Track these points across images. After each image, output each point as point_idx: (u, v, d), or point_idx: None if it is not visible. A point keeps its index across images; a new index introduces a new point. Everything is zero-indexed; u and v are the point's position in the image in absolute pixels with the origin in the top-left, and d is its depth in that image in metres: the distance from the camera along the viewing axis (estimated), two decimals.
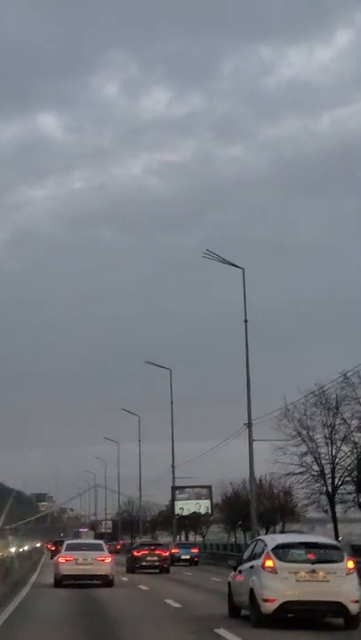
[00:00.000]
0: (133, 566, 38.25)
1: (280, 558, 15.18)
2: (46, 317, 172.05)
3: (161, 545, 43.65)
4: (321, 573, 14.96)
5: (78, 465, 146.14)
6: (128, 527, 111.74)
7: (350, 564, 15.30)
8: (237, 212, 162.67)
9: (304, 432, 44.13)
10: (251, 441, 39.32)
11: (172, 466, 65.30)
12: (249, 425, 39.36)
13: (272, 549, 15.39)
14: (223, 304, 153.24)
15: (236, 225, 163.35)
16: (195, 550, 54.85)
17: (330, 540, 17.61)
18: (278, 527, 71.51)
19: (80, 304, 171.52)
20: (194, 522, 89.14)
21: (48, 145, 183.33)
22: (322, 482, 44.29)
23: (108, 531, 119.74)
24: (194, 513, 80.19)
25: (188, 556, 52.41)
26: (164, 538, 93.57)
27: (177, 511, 75.13)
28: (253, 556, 16.22)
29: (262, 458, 43.93)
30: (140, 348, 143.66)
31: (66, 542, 30.96)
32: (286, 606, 14.90)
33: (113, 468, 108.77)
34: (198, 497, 79.84)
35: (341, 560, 15.30)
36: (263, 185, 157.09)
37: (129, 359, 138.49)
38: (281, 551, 15.37)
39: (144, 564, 38.09)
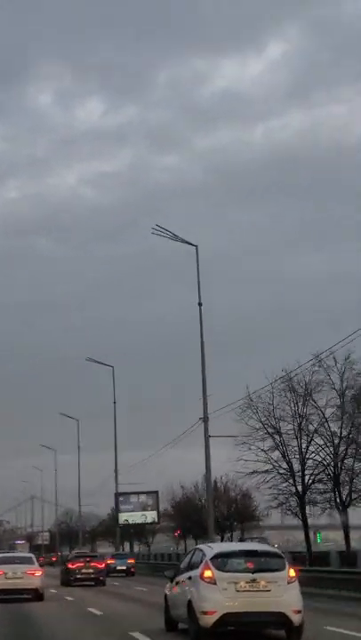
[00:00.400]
0: (68, 579, 37.34)
1: (219, 568, 14.56)
2: None
3: (96, 556, 43.12)
4: (262, 583, 14.37)
5: (14, 475, 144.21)
6: (67, 538, 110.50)
7: (292, 573, 14.74)
8: (173, 220, 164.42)
9: (271, 424, 39.66)
10: (207, 436, 36.92)
11: (115, 470, 63.16)
12: (205, 419, 36.93)
13: (211, 559, 14.78)
14: (163, 312, 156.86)
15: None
16: (131, 561, 54.28)
17: (271, 548, 17.11)
18: (237, 534, 69.22)
19: (16, 315, 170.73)
20: (139, 531, 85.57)
21: None
22: (291, 480, 39.91)
23: (46, 542, 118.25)
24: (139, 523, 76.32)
25: (124, 567, 51.87)
26: (104, 549, 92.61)
27: (121, 522, 71.75)
28: (191, 566, 15.59)
29: (219, 459, 40.92)
30: (78, 358, 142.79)
31: None
32: (226, 618, 14.28)
33: (50, 478, 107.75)
34: (144, 508, 74.73)
35: (283, 568, 14.72)
36: (198, 194, 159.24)
37: (67, 370, 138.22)
38: (220, 560, 14.75)
39: (79, 576, 37.16)
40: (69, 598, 27.23)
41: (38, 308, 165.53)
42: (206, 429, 36.97)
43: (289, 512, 41.66)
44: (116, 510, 72.51)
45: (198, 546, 17.65)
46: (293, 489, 39.95)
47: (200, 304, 37.77)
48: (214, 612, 14.25)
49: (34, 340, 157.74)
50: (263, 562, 14.92)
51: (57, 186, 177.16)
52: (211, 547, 16.38)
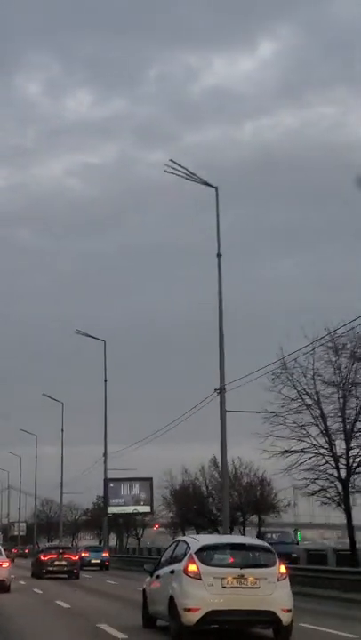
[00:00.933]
0: (40, 571, 36.76)
1: (205, 562, 13.78)
2: None
3: (70, 548, 42.98)
4: (250, 579, 13.62)
5: None
6: (45, 530, 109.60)
7: (283, 569, 13.98)
8: (156, 216, 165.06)
9: (308, 392, 33.84)
10: (223, 411, 32.78)
11: (105, 454, 59.65)
12: (221, 390, 32.87)
13: (196, 552, 13.99)
14: (140, 310, 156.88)
15: (155, 230, 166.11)
16: (105, 554, 53.95)
17: (260, 542, 16.40)
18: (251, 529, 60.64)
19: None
20: (130, 522, 79.59)
21: None
22: (333, 463, 33.64)
23: (22, 534, 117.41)
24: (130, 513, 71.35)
25: (98, 560, 51.64)
26: (87, 542, 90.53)
27: (110, 512, 67.27)
28: (174, 560, 14.79)
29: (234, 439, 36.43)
30: (56, 349, 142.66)
31: None
32: (211, 616, 13.51)
33: (29, 467, 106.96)
34: (137, 502, 70.41)
35: (273, 564, 13.98)
36: (182, 191, 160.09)
37: (44, 360, 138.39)
38: (206, 554, 13.96)
39: (51, 568, 36.57)
40: (38, 591, 27.30)
41: (15, 298, 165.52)
42: (223, 402, 32.80)
43: (329, 500, 34.82)
44: (105, 498, 67.80)
45: (182, 537, 16.96)
46: (336, 473, 33.80)
47: (219, 255, 34.30)
48: (198, 609, 13.52)
49: (7, 333, 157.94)
50: (252, 556, 14.24)
51: (41, 176, 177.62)
52: (196, 538, 15.66)
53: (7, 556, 28.87)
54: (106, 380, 58.37)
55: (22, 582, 31.90)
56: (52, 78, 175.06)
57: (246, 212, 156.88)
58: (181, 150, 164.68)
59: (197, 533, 51.45)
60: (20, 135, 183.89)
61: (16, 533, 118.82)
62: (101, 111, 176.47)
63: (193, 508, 63.76)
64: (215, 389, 33.34)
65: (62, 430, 71.55)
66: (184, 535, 70.14)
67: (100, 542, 72.10)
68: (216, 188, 35.09)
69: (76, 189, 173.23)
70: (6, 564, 26.88)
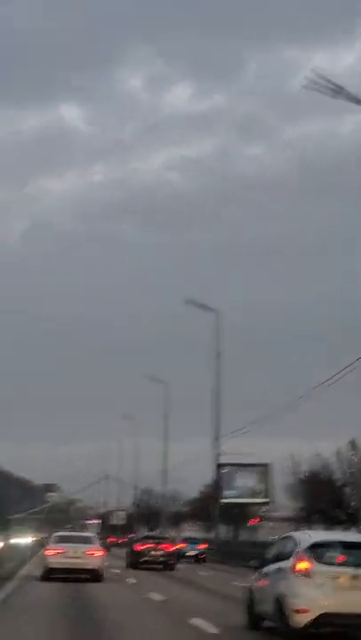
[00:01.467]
0: (134, 561, 36.27)
1: (315, 560, 12.79)
2: (59, 313, 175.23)
3: (166, 538, 42.23)
4: None
5: (84, 459, 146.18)
6: (146, 520, 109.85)
7: None
8: (253, 210, 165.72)
9: None
10: None
11: (216, 436, 55.90)
12: None
13: (306, 549, 13.00)
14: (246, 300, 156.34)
15: (251, 224, 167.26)
16: (202, 546, 53.29)
17: None
18: None
19: (96, 300, 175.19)
20: (246, 512, 71.79)
21: (69, 136, 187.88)
22: None
23: (122, 522, 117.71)
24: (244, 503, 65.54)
25: (193, 553, 51.05)
26: (192, 533, 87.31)
27: (223, 500, 62.06)
28: (281, 556, 13.79)
29: None
30: (158, 345, 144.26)
31: (55, 534, 30.17)
32: (323, 619, 12.52)
33: (126, 462, 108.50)
34: (253, 494, 64.80)
35: None
36: (281, 185, 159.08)
37: (144, 356, 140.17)
38: (318, 551, 12.92)
39: (146, 559, 36.04)
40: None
41: (112, 293, 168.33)
42: None
43: None
44: (217, 485, 63.20)
45: (291, 533, 15.97)
46: None
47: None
48: (308, 611, 12.58)
49: (109, 326, 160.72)
50: None
51: (141, 170, 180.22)
52: (308, 534, 14.60)
53: (101, 546, 29.02)
54: (219, 355, 55.72)
55: (117, 571, 31.74)
56: (153, 73, 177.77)
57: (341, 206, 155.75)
58: (281, 144, 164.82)
59: (328, 529, 49.09)
60: (119, 130, 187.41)
61: (115, 522, 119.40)
62: (200, 105, 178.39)
63: (324, 498, 58.93)
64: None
65: (166, 414, 69.47)
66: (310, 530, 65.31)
67: (212, 533, 67.12)
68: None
69: (175, 183, 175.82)
70: (99, 554, 26.96)
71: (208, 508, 71.27)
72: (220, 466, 61.38)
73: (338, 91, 28.20)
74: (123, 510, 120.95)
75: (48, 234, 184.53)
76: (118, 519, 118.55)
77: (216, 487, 63.40)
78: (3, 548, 31.26)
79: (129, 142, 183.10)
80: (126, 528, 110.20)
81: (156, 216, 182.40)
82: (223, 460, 60.33)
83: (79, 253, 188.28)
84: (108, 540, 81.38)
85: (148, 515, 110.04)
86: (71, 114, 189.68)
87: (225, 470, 63.33)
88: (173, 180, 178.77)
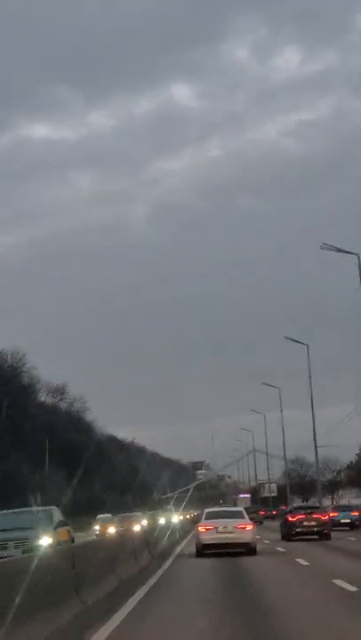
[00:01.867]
0: (288, 533, 37.20)
1: None
2: (187, 291, 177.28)
3: (318, 508, 42.93)
4: None
5: (228, 435, 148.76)
6: (298, 490, 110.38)
7: None
8: None
9: None
10: None
11: None
12: None
13: None
14: None
15: None
16: (355, 513, 53.10)
17: None
18: None
19: (221, 276, 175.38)
20: None
21: (181, 115, 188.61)
22: None
23: (273, 494, 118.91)
24: None
25: (347, 520, 51.10)
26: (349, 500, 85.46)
27: None
28: None
29: None
30: (282, 318, 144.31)
31: (205, 511, 31.11)
32: None
33: (272, 435, 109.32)
34: None
35: None
36: None
37: (271, 331, 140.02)
38: None
39: (300, 529, 36.77)
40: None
41: (241, 267, 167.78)
42: None
43: None
44: None
45: None
46: None
47: None
48: None
49: (236, 301, 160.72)
50: None
51: (257, 140, 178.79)
52: None
53: (252, 519, 29.69)
54: (310, 377, 57.00)
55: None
56: (259, 40, 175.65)
57: None
58: None
59: None
60: (231, 101, 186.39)
61: (267, 494, 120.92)
62: (311, 66, 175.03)
63: None
64: None
65: (310, 377, 68.12)
66: None
67: None
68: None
69: (292, 149, 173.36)
70: (250, 527, 27.58)
71: None
72: None
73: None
74: (273, 482, 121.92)
75: (170, 214, 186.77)
76: (269, 491, 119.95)
77: None
78: (154, 527, 33.42)
79: (241, 113, 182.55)
80: (278, 500, 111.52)
81: (275, 185, 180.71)
82: None
83: (202, 230, 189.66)
84: (260, 512, 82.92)
85: (300, 485, 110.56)
86: (181, 92, 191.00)
87: None
88: (290, 146, 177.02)
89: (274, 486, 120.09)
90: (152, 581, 18.22)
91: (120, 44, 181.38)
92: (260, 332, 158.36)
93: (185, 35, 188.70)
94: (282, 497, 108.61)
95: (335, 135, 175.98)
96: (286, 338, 65.29)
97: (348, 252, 42.39)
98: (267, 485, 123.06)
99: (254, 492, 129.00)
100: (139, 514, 58.09)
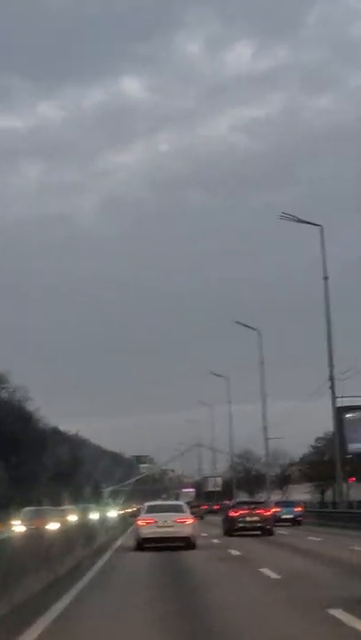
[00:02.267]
0: (230, 528, 36.58)
1: None
2: (137, 285, 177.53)
3: (262, 503, 42.55)
4: None
5: (174, 429, 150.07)
6: (245, 484, 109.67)
7: None
8: (328, 166, 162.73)
9: None
10: None
11: (330, 376, 48.05)
12: None
13: None
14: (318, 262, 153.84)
15: (327, 180, 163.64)
16: (298, 509, 53.30)
17: None
18: None
19: (170, 270, 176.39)
20: None
21: (132, 108, 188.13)
22: None
23: (218, 489, 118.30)
24: None
25: (290, 516, 51.22)
26: (300, 496, 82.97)
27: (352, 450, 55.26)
28: None
29: None
30: (229, 311, 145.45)
31: (146, 504, 30.86)
32: None
33: (219, 428, 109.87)
34: None
35: None
36: (352, 136, 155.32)
37: (218, 323, 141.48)
38: None
39: (242, 525, 36.16)
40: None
41: (190, 261, 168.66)
42: None
43: None
44: (339, 434, 52.70)
45: None
46: None
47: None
48: None
49: (184, 297, 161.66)
50: None
51: (207, 136, 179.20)
52: None
53: (193, 513, 29.45)
54: (326, 278, 48.96)
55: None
56: (212, 35, 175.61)
57: None
58: (348, 95, 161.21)
59: None
60: (181, 95, 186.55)
61: (212, 489, 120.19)
62: (263, 62, 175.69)
63: None
64: None
65: (262, 363, 67.02)
66: None
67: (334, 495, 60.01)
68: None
69: (242, 145, 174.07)
70: (190, 521, 27.42)
71: (319, 466, 70.12)
72: (341, 410, 51.82)
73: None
74: (218, 476, 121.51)
75: (120, 208, 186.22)
76: (214, 485, 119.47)
77: (339, 438, 52.23)
78: (93, 521, 32.71)
79: (192, 108, 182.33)
80: (224, 494, 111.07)
81: (226, 181, 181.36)
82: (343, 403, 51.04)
83: (153, 224, 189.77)
84: (202, 507, 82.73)
85: (247, 479, 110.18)
86: (132, 85, 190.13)
87: (350, 416, 55.60)
88: (241, 142, 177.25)
89: (219, 480, 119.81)
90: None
91: (70, 34, 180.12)
92: (207, 325, 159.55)
93: (136, 26, 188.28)
94: (227, 491, 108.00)
95: (286, 132, 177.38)
96: (237, 322, 66.43)
97: (310, 223, 42.64)
98: (211, 479, 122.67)
99: (199, 486, 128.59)
100: (67, 508, 54.77)
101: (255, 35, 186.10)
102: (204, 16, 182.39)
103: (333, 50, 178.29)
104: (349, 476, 66.97)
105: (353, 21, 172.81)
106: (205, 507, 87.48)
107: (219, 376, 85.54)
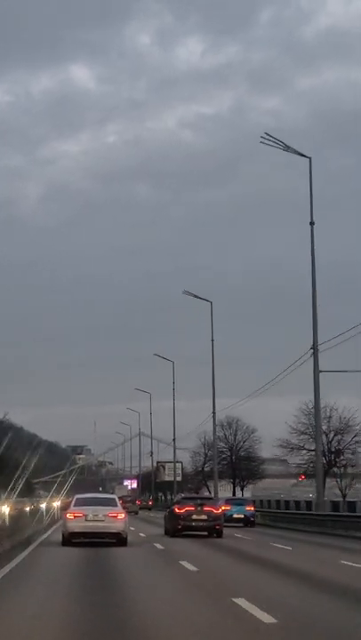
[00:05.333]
0: (174, 527, 34.60)
1: None
2: (79, 274, 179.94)
3: (211, 499, 41.31)
4: None
5: (114, 419, 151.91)
6: (188, 479, 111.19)
7: None
8: (270, 165, 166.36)
9: None
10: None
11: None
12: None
13: None
14: (261, 260, 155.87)
15: (269, 178, 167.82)
16: (250, 508, 51.72)
17: None
18: None
19: (114, 260, 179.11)
20: None
21: (81, 97, 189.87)
22: None
23: (179, 479, 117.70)
24: None
25: (241, 515, 49.96)
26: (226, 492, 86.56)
27: None
28: None
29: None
30: (174, 303, 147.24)
31: (75, 497, 30.29)
32: None
33: (152, 420, 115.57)
34: None
35: None
36: (299, 137, 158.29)
37: (162, 314, 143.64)
38: None
39: (188, 524, 34.35)
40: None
41: (134, 252, 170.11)
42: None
43: None
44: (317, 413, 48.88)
45: None
46: None
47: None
48: None
49: (128, 287, 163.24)
50: None
51: (155, 129, 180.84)
52: None
53: (127, 509, 29.59)
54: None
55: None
56: (163, 28, 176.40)
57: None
58: (297, 95, 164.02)
59: None
60: (131, 87, 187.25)
61: (167, 479, 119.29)
62: (213, 59, 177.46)
63: None
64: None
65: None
66: None
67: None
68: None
69: (189, 140, 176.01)
70: (122, 516, 27.57)
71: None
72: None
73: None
74: (178, 462, 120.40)
75: (64, 197, 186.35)
76: (174, 475, 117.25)
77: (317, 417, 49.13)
78: (19, 513, 32.23)
79: (142, 100, 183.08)
80: (185, 485, 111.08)
81: (172, 175, 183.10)
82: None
83: (95, 215, 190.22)
84: (137, 502, 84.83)
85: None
86: (81, 74, 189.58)
87: None
88: (188, 138, 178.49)
89: (179, 467, 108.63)
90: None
91: (20, 19, 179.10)
92: (154, 315, 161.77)
93: (88, 14, 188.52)
94: (195, 482, 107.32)
95: (234, 130, 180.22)
96: (185, 292, 67.15)
97: (300, 154, 42.97)
98: (168, 466, 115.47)
99: (146, 477, 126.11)
100: None
101: (207, 31, 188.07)
102: (157, 8, 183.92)
103: (284, 50, 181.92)
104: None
105: (304, 23, 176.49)
106: (140, 502, 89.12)
107: (164, 358, 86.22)
